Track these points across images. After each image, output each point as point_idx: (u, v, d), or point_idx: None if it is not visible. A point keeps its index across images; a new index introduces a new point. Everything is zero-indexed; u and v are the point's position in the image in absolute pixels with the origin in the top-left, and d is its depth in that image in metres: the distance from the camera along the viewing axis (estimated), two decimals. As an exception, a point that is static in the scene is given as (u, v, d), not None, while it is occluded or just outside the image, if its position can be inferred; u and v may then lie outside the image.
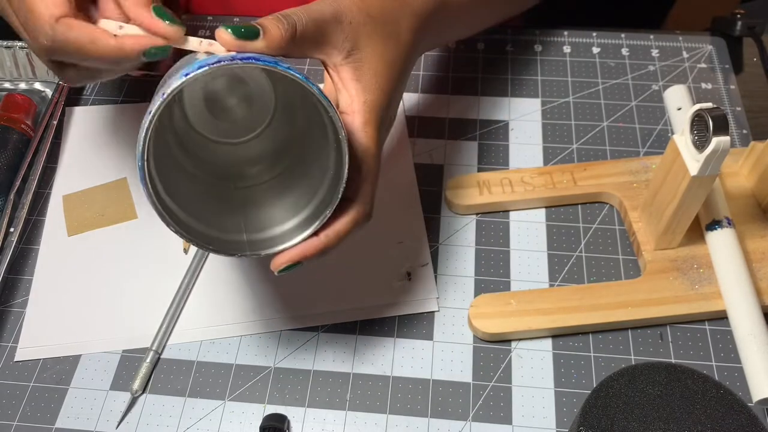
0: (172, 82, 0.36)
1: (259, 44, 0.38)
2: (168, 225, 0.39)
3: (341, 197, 0.40)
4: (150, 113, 0.36)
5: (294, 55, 0.41)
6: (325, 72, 0.44)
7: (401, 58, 0.46)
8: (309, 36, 0.41)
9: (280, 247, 0.41)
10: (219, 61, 0.36)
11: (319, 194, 0.43)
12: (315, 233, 0.41)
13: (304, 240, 0.41)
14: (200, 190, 0.46)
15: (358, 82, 0.43)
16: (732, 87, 0.64)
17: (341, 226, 0.42)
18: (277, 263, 0.42)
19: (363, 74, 0.43)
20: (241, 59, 0.36)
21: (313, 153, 0.45)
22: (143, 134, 0.37)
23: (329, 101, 0.38)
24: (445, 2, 0.51)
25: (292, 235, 0.42)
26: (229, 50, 0.38)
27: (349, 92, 0.43)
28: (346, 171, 0.39)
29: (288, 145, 0.48)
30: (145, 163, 0.37)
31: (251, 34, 0.38)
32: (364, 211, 0.43)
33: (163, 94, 0.36)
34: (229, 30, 0.38)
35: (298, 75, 0.37)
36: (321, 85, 0.40)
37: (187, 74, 0.36)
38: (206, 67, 0.36)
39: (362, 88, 0.43)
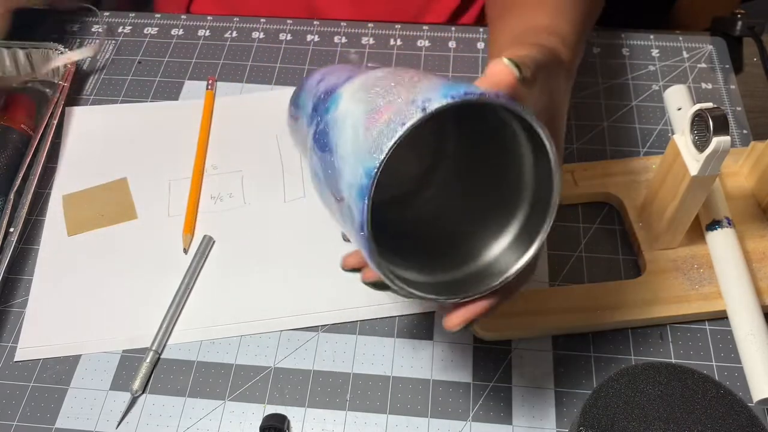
0: (431, 99, 0.32)
1: (514, 82, 0.36)
2: (398, 290, 0.36)
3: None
4: (390, 141, 0.32)
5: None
6: None
7: (556, 121, 0.43)
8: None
9: (510, 273, 0.38)
10: (483, 93, 0.33)
11: (519, 213, 0.41)
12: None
13: (532, 258, 0.39)
14: (402, 226, 0.44)
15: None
16: (732, 87, 0.64)
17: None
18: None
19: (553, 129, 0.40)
20: (504, 99, 0.33)
21: (484, 169, 0.43)
22: (369, 184, 0.32)
23: (551, 142, 0.36)
24: (580, 48, 0.48)
25: (509, 256, 0.40)
26: (493, 79, 0.35)
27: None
28: (557, 198, 0.38)
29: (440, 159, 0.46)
30: (368, 223, 0.33)
31: (517, 68, 0.36)
32: None
33: (425, 108, 0.31)
34: (511, 64, 0.36)
35: (536, 123, 0.35)
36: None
37: (453, 96, 0.32)
38: (472, 95, 0.32)
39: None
